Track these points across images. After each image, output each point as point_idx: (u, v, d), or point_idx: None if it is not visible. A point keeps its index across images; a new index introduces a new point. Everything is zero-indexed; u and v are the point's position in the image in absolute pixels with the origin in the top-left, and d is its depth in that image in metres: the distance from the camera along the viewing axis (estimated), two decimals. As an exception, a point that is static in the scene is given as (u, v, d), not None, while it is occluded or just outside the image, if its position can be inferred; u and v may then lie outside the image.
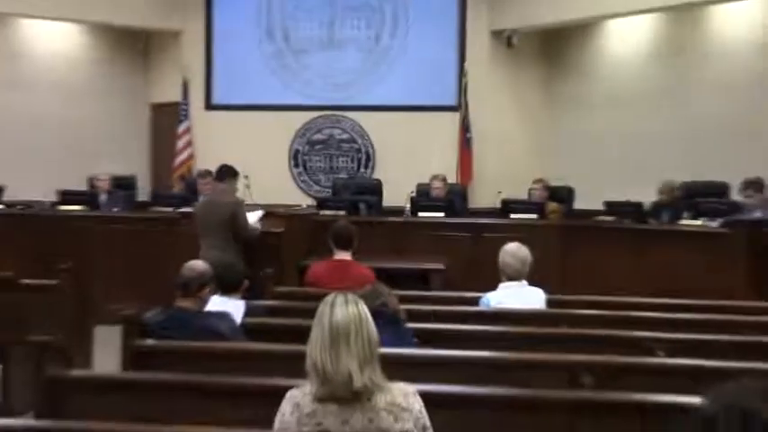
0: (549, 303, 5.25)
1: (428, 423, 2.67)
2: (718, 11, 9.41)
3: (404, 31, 10.98)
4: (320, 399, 2.60)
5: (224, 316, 4.25)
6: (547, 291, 5.35)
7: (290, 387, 2.73)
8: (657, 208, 8.24)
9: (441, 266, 7.70)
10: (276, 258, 8.00)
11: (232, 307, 4.57)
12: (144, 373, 3.77)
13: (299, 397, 2.66)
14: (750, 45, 9.16)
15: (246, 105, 11.14)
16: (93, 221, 8.85)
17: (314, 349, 2.62)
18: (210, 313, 4.29)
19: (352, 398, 2.59)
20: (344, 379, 2.57)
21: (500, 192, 9.38)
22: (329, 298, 2.72)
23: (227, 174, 7.45)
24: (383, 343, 2.76)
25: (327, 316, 2.64)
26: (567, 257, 8.01)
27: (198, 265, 4.43)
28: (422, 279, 7.47)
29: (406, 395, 2.66)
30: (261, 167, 10.25)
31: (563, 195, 9.39)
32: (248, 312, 4.70)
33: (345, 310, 2.64)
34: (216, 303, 4.51)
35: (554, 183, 9.56)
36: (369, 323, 2.66)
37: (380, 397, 2.61)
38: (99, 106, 11.41)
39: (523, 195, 9.41)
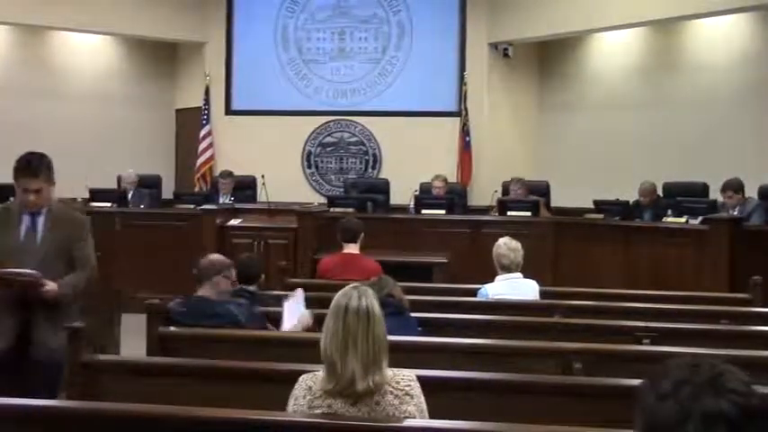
0: (543, 294, 5.23)
1: (425, 407, 2.64)
2: (699, 26, 9.37)
3: (408, 43, 10.94)
4: (327, 393, 2.56)
5: (240, 304, 4.23)
6: (540, 283, 5.33)
7: (302, 372, 2.70)
8: (639, 208, 8.21)
9: (442, 260, 7.68)
10: (290, 252, 8.02)
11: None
12: (167, 357, 3.76)
13: (311, 381, 2.63)
14: (729, 59, 9.12)
15: (263, 110, 11.13)
16: (122, 217, 8.84)
17: (328, 342, 2.57)
18: (228, 301, 4.26)
19: (355, 397, 2.55)
20: (349, 381, 2.53)
21: (496, 191, 9.36)
22: (348, 293, 2.63)
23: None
24: (389, 331, 2.73)
25: (342, 314, 2.57)
26: (559, 252, 7.98)
27: (213, 255, 4.43)
28: (425, 271, 7.45)
29: (409, 381, 2.63)
30: (276, 168, 10.24)
31: (542, 190, 9.36)
32: (259, 302, 4.66)
33: (358, 308, 2.57)
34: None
35: (534, 179, 9.66)
36: (379, 323, 2.60)
37: (385, 385, 2.58)
38: (129, 111, 11.42)
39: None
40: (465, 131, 10.54)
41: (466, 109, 10.55)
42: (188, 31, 11.24)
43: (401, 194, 9.53)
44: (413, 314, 4.14)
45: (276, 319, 4.37)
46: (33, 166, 3.88)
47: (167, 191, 10.38)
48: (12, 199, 4.11)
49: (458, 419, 2.65)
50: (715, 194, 7.75)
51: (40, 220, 3.96)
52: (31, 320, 3.87)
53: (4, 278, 3.79)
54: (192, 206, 8.91)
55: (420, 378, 2.67)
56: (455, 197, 9.20)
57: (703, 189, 8.12)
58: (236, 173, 9.93)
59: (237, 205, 9.17)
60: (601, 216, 8.13)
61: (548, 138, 10.96)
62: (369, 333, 2.56)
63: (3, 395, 2.90)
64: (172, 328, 4.03)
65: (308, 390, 2.60)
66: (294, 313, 4.24)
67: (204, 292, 4.23)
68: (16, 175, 3.90)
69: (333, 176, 11.12)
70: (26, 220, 3.96)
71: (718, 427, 1.28)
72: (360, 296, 2.61)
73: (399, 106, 10.85)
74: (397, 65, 10.96)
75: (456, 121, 10.64)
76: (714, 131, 9.13)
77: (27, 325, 3.87)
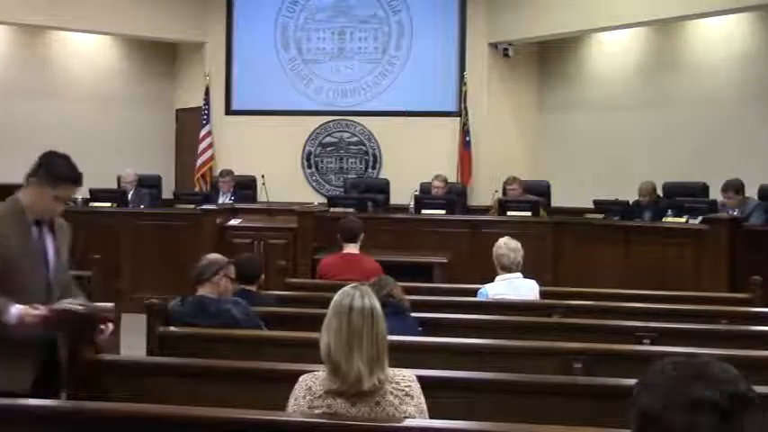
0: (543, 294, 5.24)
1: (425, 407, 2.64)
2: (699, 26, 9.37)
3: (408, 43, 10.94)
4: (331, 392, 2.56)
5: (238, 302, 4.23)
6: (540, 283, 5.33)
7: (302, 372, 2.70)
8: (639, 208, 8.21)
9: (442, 260, 7.68)
10: (290, 252, 8.02)
11: None
12: (167, 357, 3.76)
13: (311, 381, 2.63)
14: (728, 58, 9.12)
15: (263, 110, 11.13)
16: (122, 217, 8.85)
17: (332, 342, 2.56)
18: (227, 301, 4.26)
19: (359, 396, 2.55)
20: (354, 380, 2.53)
21: (496, 191, 9.36)
22: (349, 292, 2.64)
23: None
24: (389, 331, 2.73)
25: (346, 313, 2.57)
26: (559, 252, 7.98)
27: (212, 255, 4.46)
28: (425, 271, 7.45)
29: (409, 381, 2.63)
30: (276, 168, 10.26)
31: (542, 190, 9.35)
32: (258, 302, 4.67)
33: (362, 307, 2.58)
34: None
35: (534, 179, 9.68)
36: (381, 321, 2.61)
37: (387, 384, 2.58)
38: (129, 111, 11.42)
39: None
40: (465, 131, 10.54)
41: (466, 109, 10.56)
42: (188, 31, 11.24)
43: (401, 194, 9.53)
44: (413, 314, 4.14)
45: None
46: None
47: (167, 191, 10.38)
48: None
49: (458, 419, 2.65)
50: (715, 194, 7.75)
51: (45, 230, 3.29)
52: (51, 361, 3.26)
53: (67, 319, 3.13)
54: (192, 206, 8.90)
55: (420, 378, 2.67)
56: (455, 197, 9.20)
57: (703, 189, 8.12)
58: (236, 173, 9.94)
59: (237, 205, 9.18)
60: (601, 216, 8.13)
61: (548, 138, 10.97)
62: (373, 332, 2.57)
63: None
64: (172, 328, 4.03)
65: (308, 390, 2.60)
66: None
67: (204, 291, 4.23)
68: (62, 182, 3.22)
69: (333, 176, 11.13)
70: (33, 229, 3.26)
71: (708, 415, 1.30)
72: (362, 295, 2.62)
73: (399, 106, 10.85)
74: (397, 65, 10.97)
75: (456, 120, 10.64)
76: (714, 131, 9.14)
77: (45, 367, 3.25)
